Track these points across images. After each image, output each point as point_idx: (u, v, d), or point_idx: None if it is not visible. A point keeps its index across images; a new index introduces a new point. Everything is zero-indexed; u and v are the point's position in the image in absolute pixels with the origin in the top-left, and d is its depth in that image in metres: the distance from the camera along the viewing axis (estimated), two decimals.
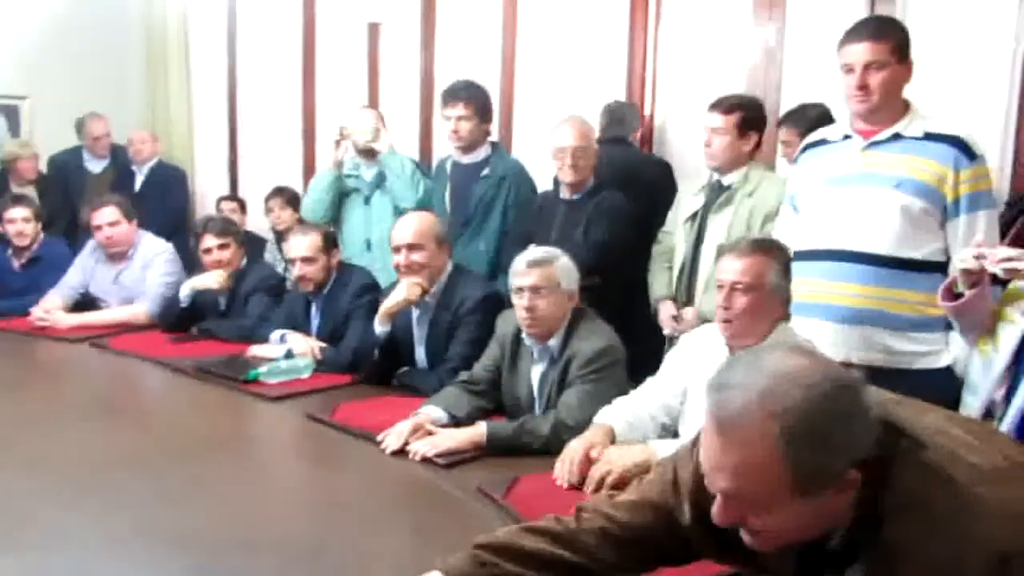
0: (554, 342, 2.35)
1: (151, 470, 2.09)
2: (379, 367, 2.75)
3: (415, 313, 2.82)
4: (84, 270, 3.82)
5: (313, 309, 3.18)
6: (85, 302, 3.78)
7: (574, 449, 1.97)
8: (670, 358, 2.21)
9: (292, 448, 2.50)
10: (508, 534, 1.36)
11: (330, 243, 3.16)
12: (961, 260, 1.84)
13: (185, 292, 3.44)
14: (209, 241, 3.47)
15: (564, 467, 1.95)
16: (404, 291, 2.72)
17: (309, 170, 4.97)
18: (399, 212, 3.39)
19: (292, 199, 4.51)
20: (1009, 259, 1.74)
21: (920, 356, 2.19)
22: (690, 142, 3.38)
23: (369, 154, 3.62)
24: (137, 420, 2.60)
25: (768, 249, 2.01)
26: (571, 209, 3.04)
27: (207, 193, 5.48)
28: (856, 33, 2.17)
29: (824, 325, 2.23)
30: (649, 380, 2.18)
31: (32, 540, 1.71)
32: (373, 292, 3.03)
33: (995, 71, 2.82)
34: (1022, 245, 1.91)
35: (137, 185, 4.86)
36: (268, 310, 3.31)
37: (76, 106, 5.00)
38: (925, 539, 1.02)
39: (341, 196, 3.67)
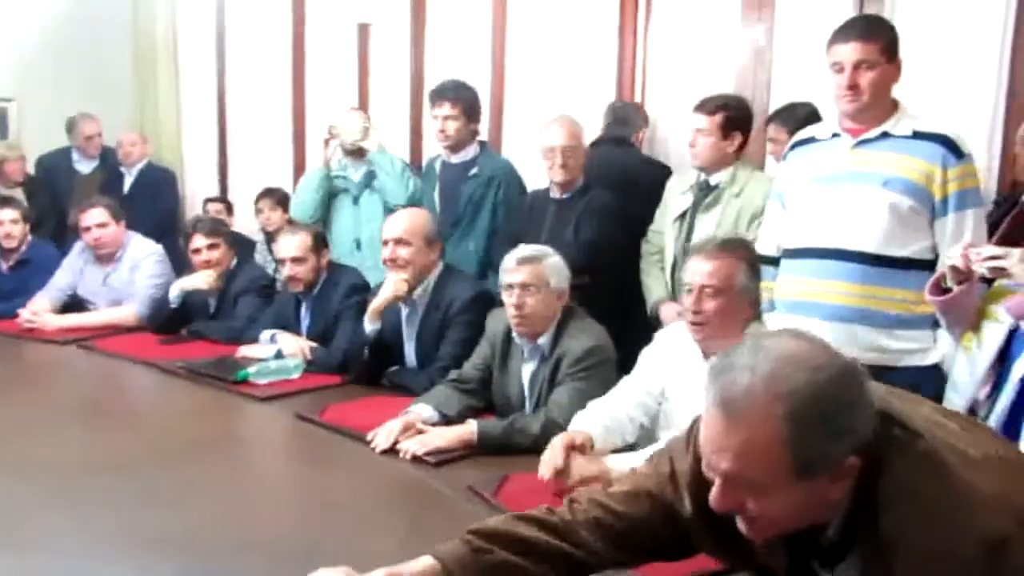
0: (544, 340, 2.35)
1: (140, 472, 2.08)
2: (369, 366, 2.74)
3: (405, 312, 2.82)
4: (72, 272, 3.80)
5: (303, 309, 3.17)
6: (73, 304, 3.76)
7: (556, 441, 1.94)
8: (645, 356, 2.19)
9: (282, 448, 2.49)
10: (501, 521, 1.35)
11: (320, 243, 3.15)
12: (950, 257, 1.85)
13: (175, 293, 3.43)
14: (199, 241, 3.46)
15: (548, 454, 1.91)
16: (390, 287, 2.72)
17: (299, 171, 4.95)
18: (389, 211, 3.39)
19: (282, 200, 4.49)
20: (994, 257, 1.75)
21: (908, 353, 2.20)
22: (680, 142, 3.39)
23: (358, 154, 3.62)
24: (126, 422, 2.59)
25: (735, 250, 2.01)
26: (561, 208, 3.05)
27: (196, 195, 5.46)
28: (845, 32, 2.18)
29: (812, 323, 2.22)
30: (624, 380, 2.16)
31: (21, 543, 1.70)
32: (363, 292, 3.02)
33: (983, 70, 2.84)
34: (1010, 243, 1.92)
35: (126, 187, 4.83)
36: (258, 311, 3.30)
37: (64, 108, 4.96)
38: (921, 528, 1.03)
39: (330, 196, 3.67)
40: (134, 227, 3.87)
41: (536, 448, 2.06)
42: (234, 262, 3.55)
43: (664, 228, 2.97)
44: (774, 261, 2.40)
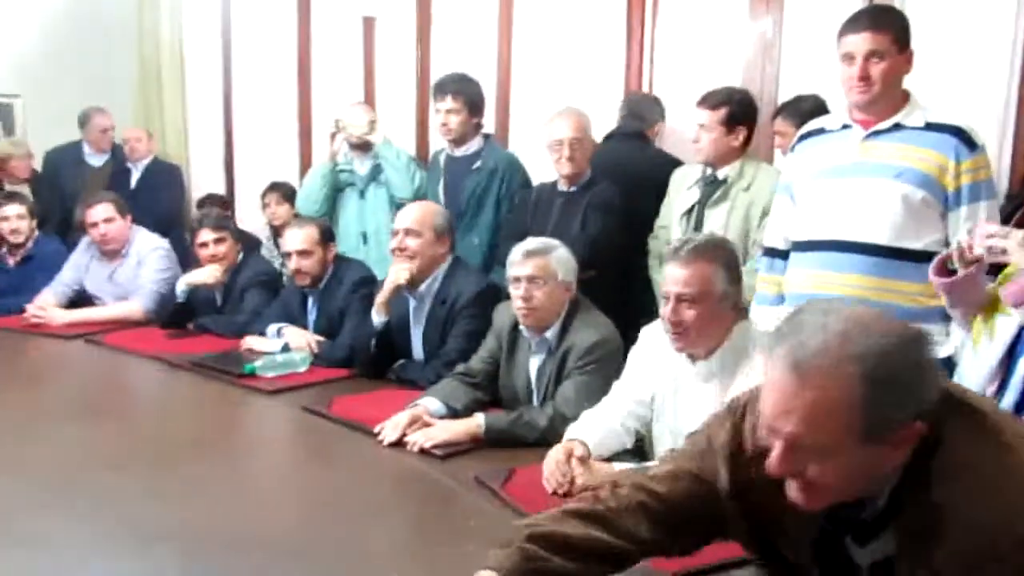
0: (551, 334, 2.34)
1: (147, 466, 2.07)
2: (375, 360, 2.73)
3: (412, 305, 2.81)
4: (78, 267, 3.80)
5: (310, 303, 3.16)
6: (80, 299, 3.76)
7: (554, 453, 1.90)
8: (633, 359, 2.13)
9: (289, 442, 2.48)
10: (551, 520, 1.32)
11: (326, 236, 3.15)
12: (959, 240, 1.82)
13: (181, 287, 3.42)
14: (205, 236, 3.46)
15: (549, 468, 1.87)
16: (391, 275, 2.72)
17: (305, 166, 4.94)
18: (395, 204, 3.39)
19: (288, 194, 4.48)
20: (992, 235, 1.71)
21: None
22: (687, 135, 3.37)
23: (364, 147, 3.61)
24: (133, 416, 2.59)
25: (712, 253, 1.90)
26: (567, 202, 3.03)
27: (203, 190, 5.45)
28: (856, 23, 2.16)
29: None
30: (616, 385, 2.11)
31: (24, 537, 1.69)
32: (369, 285, 3.01)
33: (994, 62, 2.82)
34: None
35: (133, 182, 4.83)
36: (264, 305, 3.29)
37: (69, 105, 4.96)
38: (977, 502, 1.02)
39: (336, 190, 3.66)
40: (140, 222, 3.87)
41: (543, 441, 2.06)
42: (240, 256, 3.55)
43: (671, 223, 2.94)
44: (783, 254, 2.38)
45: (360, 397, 2.53)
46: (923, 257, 2.14)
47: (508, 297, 2.42)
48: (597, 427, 2.00)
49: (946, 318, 2.12)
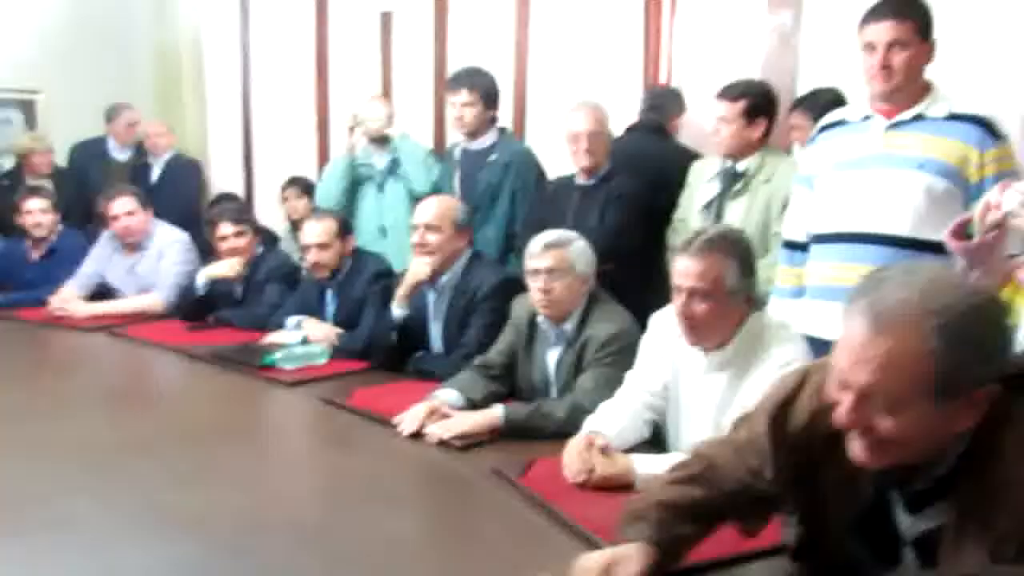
0: (569, 326, 2.34)
1: (167, 455, 2.10)
2: (394, 352, 2.75)
3: (432, 298, 2.82)
4: (100, 260, 3.84)
5: (328, 296, 3.18)
6: (101, 292, 3.80)
7: (574, 443, 1.90)
8: (644, 348, 2.12)
9: (308, 433, 2.50)
10: (665, 489, 1.38)
11: (345, 229, 3.16)
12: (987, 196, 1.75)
13: (201, 280, 3.45)
14: (225, 229, 3.48)
15: (569, 459, 1.86)
16: (411, 271, 2.75)
17: (323, 160, 4.96)
18: (413, 198, 3.40)
19: (307, 188, 4.51)
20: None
21: None
22: (706, 128, 3.35)
23: (382, 141, 3.62)
24: (154, 407, 2.62)
25: (724, 246, 1.88)
26: (585, 195, 3.03)
27: (222, 186, 5.49)
28: (878, 12, 2.14)
29: (842, 308, 2.19)
30: (629, 376, 2.11)
31: (48, 523, 1.71)
32: (387, 278, 3.03)
33: (1018, 52, 2.78)
34: None
35: (154, 177, 4.88)
36: (283, 298, 3.32)
37: (89, 101, 5.03)
38: None
39: (355, 184, 3.68)
40: (161, 216, 3.90)
41: (561, 433, 2.05)
42: (259, 250, 3.57)
43: (690, 216, 2.93)
44: (802, 246, 2.37)
45: (379, 388, 2.54)
46: (945, 249, 2.12)
47: (526, 289, 2.43)
48: (615, 419, 2.00)
49: None
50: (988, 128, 2.10)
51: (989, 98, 2.59)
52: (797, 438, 1.24)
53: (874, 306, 1.06)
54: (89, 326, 3.43)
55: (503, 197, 3.33)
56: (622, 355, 2.24)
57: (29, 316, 3.58)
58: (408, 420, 2.18)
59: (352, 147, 3.70)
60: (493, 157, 3.36)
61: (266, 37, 5.34)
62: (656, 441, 2.08)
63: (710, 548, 1.43)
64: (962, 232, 1.80)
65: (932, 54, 2.16)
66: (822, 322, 2.22)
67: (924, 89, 2.16)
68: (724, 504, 1.34)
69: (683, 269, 1.88)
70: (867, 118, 2.22)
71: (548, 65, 4.07)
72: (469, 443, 2.10)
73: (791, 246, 2.39)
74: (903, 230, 2.13)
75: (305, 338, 2.95)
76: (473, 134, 3.40)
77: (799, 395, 1.27)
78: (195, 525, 1.70)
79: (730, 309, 1.88)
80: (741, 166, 2.81)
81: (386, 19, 4.72)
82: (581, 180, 3.06)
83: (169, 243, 3.77)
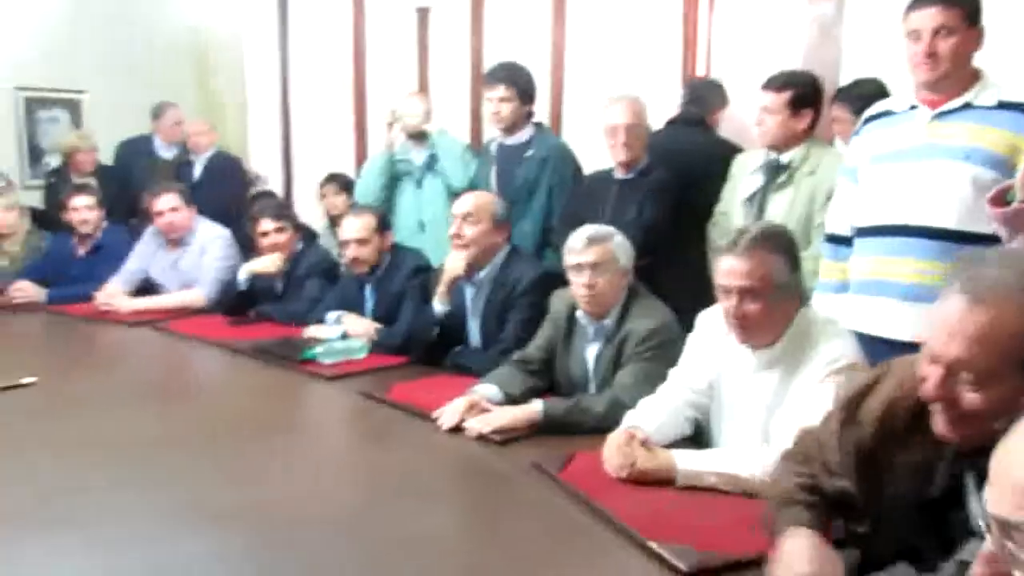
0: (609, 320, 2.33)
1: (209, 449, 2.13)
2: (432, 347, 2.76)
3: (470, 293, 2.83)
4: (144, 256, 3.91)
5: (367, 291, 3.20)
6: (145, 287, 3.87)
7: (615, 437, 1.90)
8: (691, 345, 2.10)
9: (348, 426, 2.52)
10: (795, 475, 1.43)
11: (383, 225, 3.18)
12: None
13: (243, 276, 3.50)
14: (266, 225, 3.53)
15: (610, 452, 1.86)
16: (448, 266, 2.76)
17: (361, 156, 5.00)
18: (451, 193, 3.40)
19: (346, 185, 4.55)
20: None
21: None
22: (746, 121, 3.32)
23: (420, 137, 3.64)
24: (196, 400, 2.66)
25: (770, 243, 1.85)
26: (623, 189, 3.01)
27: (262, 183, 5.55)
28: None
29: (887, 303, 2.16)
30: (672, 373, 2.09)
31: (93, 516, 1.75)
32: (426, 273, 3.04)
33: None
34: None
35: (196, 174, 4.95)
36: (323, 293, 3.35)
37: (130, 100, 5.16)
38: None
39: (393, 179, 3.70)
40: (203, 213, 3.96)
41: (601, 428, 2.04)
42: (299, 246, 3.61)
43: (732, 209, 2.90)
44: (846, 240, 2.33)
45: (418, 383, 2.55)
46: (992, 241, 2.07)
47: (565, 284, 2.42)
48: (656, 414, 1.98)
49: None
50: None
51: None
52: (869, 428, 1.30)
53: (972, 282, 1.12)
54: (134, 321, 3.50)
55: (540, 192, 3.33)
56: (662, 350, 2.23)
57: (77, 311, 3.66)
58: (448, 414, 2.19)
59: (390, 143, 3.72)
60: (530, 152, 3.36)
61: (304, 34, 5.39)
62: (696, 438, 2.06)
63: (748, 544, 1.43)
64: (1002, 199, 1.75)
65: (981, 41, 2.10)
66: (866, 317, 2.19)
67: (972, 77, 2.11)
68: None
69: (730, 269, 1.84)
70: (913, 108, 2.18)
71: (584, 59, 4.05)
72: (508, 438, 2.10)
73: (835, 240, 2.36)
74: (949, 222, 2.09)
75: (345, 333, 2.98)
76: (510, 129, 3.40)
77: (875, 388, 1.32)
78: (235, 518, 1.73)
79: (780, 305, 1.86)
80: (785, 158, 2.77)
81: (423, 15, 4.74)
82: (619, 174, 3.05)
83: (211, 239, 3.83)
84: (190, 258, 3.82)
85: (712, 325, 2.04)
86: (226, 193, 4.88)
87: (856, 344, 1.86)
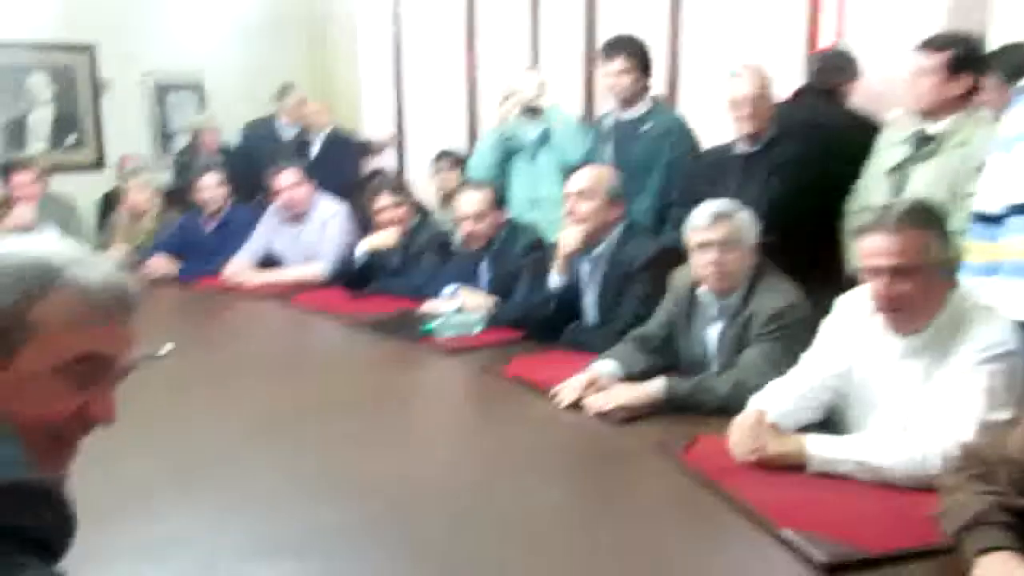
0: (734, 298, 2.26)
1: (332, 418, 2.19)
2: (549, 322, 2.74)
3: (586, 269, 2.79)
4: (268, 232, 4.06)
5: (483, 266, 3.22)
6: (269, 261, 4.02)
7: (743, 419, 1.84)
8: (827, 329, 1.99)
9: (465, 401, 2.55)
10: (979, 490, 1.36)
11: (498, 201, 3.19)
12: None
13: (361, 250, 3.58)
14: (384, 200, 3.60)
15: (738, 436, 1.79)
16: (563, 242, 2.73)
17: (473, 132, 5.02)
18: (565, 169, 3.37)
19: (459, 161, 4.57)
20: None
21: None
22: (885, 88, 3.12)
23: (534, 113, 3.61)
24: (317, 372, 2.73)
25: (921, 217, 1.72)
26: (748, 163, 2.90)
27: (376, 161, 5.65)
28: None
29: None
30: (806, 356, 1.99)
31: (222, 481, 1.82)
32: (541, 249, 3.03)
33: None
34: None
35: (314, 152, 5.08)
36: (440, 267, 3.39)
37: (247, 83, 5.40)
38: None
39: (507, 156, 3.69)
40: (321, 189, 4.07)
41: (724, 409, 1.98)
42: (416, 220, 3.66)
43: (871, 183, 2.72)
44: (997, 219, 2.15)
45: (536, 358, 2.55)
46: None
47: (683, 260, 2.36)
48: (786, 397, 1.90)
49: None
50: None
51: None
52: None
53: None
54: (259, 294, 3.64)
55: (657, 167, 3.25)
56: (790, 330, 2.14)
57: (207, 285, 3.84)
58: (567, 391, 2.17)
59: (504, 119, 3.71)
60: (647, 127, 3.29)
61: (417, 11, 5.44)
62: (824, 426, 1.97)
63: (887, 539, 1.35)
64: None
65: None
66: (1019, 301, 2.03)
67: None
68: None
69: (878, 248, 1.72)
70: None
71: (702, 29, 3.92)
72: (628, 416, 2.07)
73: (984, 219, 2.18)
74: None
75: (461, 306, 3.00)
76: (628, 102, 3.34)
77: None
78: (355, 491, 1.76)
79: (935, 284, 1.74)
80: (933, 129, 2.54)
81: None
82: (744, 147, 2.93)
83: (330, 214, 3.94)
84: (311, 232, 3.94)
85: (852, 308, 1.93)
86: (343, 170, 5.00)
87: (1017, 332, 1.72)
